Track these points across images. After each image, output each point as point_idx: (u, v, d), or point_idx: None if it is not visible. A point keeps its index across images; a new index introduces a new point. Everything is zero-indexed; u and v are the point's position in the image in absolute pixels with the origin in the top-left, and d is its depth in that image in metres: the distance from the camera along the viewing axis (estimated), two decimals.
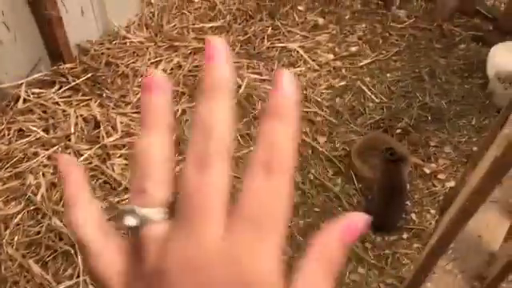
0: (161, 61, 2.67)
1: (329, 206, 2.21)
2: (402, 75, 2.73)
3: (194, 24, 2.89)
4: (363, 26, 2.98)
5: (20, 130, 2.27)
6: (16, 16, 2.20)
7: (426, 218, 2.21)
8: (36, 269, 1.86)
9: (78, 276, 1.89)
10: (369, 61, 2.79)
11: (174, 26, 2.86)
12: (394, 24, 3.00)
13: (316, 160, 2.35)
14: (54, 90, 2.42)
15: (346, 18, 3.02)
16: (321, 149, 2.38)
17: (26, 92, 2.36)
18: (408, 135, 2.46)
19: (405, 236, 2.15)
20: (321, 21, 3.00)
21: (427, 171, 2.33)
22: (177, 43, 2.76)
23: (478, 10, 3.01)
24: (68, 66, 2.47)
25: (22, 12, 2.22)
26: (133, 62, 2.63)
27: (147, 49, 2.71)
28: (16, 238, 1.93)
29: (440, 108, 2.57)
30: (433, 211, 2.22)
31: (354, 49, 2.86)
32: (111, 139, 2.30)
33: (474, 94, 2.66)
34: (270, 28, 2.92)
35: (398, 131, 2.46)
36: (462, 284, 1.19)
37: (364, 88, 2.64)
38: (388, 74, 2.73)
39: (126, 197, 2.14)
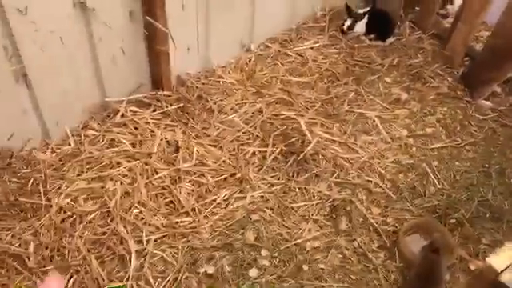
0: (245, 103, 2.93)
1: (365, 277, 2.29)
2: (471, 167, 2.75)
3: (283, 75, 3.13)
4: (445, 109, 3.05)
5: (112, 139, 2.61)
6: (133, 44, 2.56)
7: None
8: (95, 264, 2.14)
9: (128, 279, 2.14)
10: (441, 145, 2.85)
11: (265, 74, 3.12)
12: (476, 114, 3.03)
13: (364, 229, 2.45)
14: (148, 111, 2.75)
15: (430, 98, 3.10)
16: (372, 220, 2.48)
17: (125, 108, 2.71)
18: (462, 227, 2.48)
19: None
20: (404, 96, 3.11)
21: (472, 267, 2.34)
22: (264, 90, 3.01)
23: None
24: (165, 93, 2.80)
25: (138, 42, 2.58)
26: (221, 100, 2.91)
27: (236, 90, 2.99)
28: (85, 233, 2.23)
29: (501, 208, 2.56)
30: None
31: (429, 130, 2.93)
32: (186, 165, 2.57)
33: None
34: (353, 93, 3.08)
35: (453, 221, 2.49)
36: None
37: (429, 171, 2.70)
38: (457, 163, 2.77)
39: (185, 219, 2.39)
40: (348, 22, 3.36)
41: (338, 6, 3.54)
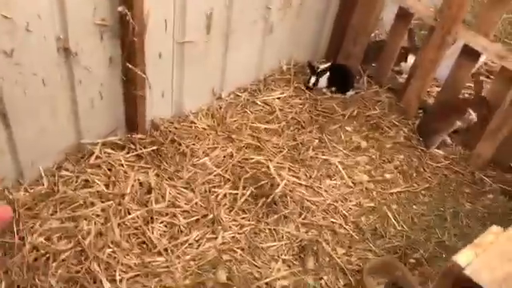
0: (216, 148, 3.06)
1: None
2: (427, 210, 2.95)
3: (252, 123, 3.29)
4: (401, 157, 3.27)
5: (86, 180, 2.66)
6: (111, 88, 2.67)
7: None
8: None
9: None
10: (399, 189, 3.05)
11: (235, 120, 3.28)
12: (430, 162, 3.27)
13: (330, 268, 2.56)
14: (122, 153, 2.83)
15: (388, 146, 3.33)
16: (338, 259, 2.60)
17: (100, 150, 2.78)
18: (421, 266, 2.64)
19: None
20: (364, 144, 3.33)
21: None
22: (234, 136, 3.15)
23: (511, 166, 3.25)
24: (139, 136, 2.90)
25: (115, 87, 2.69)
26: (193, 144, 3.02)
27: (208, 135, 3.12)
28: (59, 272, 2.24)
29: (456, 248, 2.73)
30: None
31: (388, 176, 3.14)
32: (158, 206, 2.64)
33: None
34: (317, 140, 3.28)
35: (412, 261, 2.65)
36: None
37: (389, 214, 2.88)
38: (414, 206, 2.97)
39: (157, 259, 2.43)
40: (313, 80, 3.60)
41: (302, 61, 3.79)
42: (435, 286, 1.60)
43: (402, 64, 3.86)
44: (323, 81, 3.63)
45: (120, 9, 2.33)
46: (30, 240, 2.30)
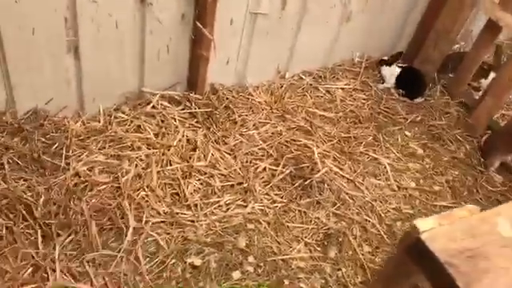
0: (268, 123, 3.09)
1: None
2: None
3: (310, 107, 3.28)
4: (456, 172, 3.12)
5: (138, 126, 2.80)
6: (178, 44, 2.78)
7: None
8: (94, 230, 2.28)
9: (119, 251, 2.27)
10: (445, 204, 2.92)
11: (293, 101, 3.28)
12: (486, 185, 3.09)
13: (351, 262, 2.52)
14: (177, 108, 2.94)
15: (445, 159, 3.19)
16: (361, 255, 2.55)
17: (157, 101, 2.91)
18: None
19: None
20: (420, 151, 3.21)
21: None
22: (288, 115, 3.17)
23: None
24: (197, 96, 2.99)
25: (183, 43, 2.79)
26: (246, 115, 3.08)
27: (262, 110, 3.16)
28: (93, 201, 2.39)
29: None
30: None
31: (437, 188, 3.01)
32: (199, 163, 2.72)
33: None
34: (372, 138, 3.20)
35: None
36: None
37: None
38: None
39: (186, 212, 2.52)
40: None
41: (375, 57, 3.71)
42: (392, 251, 1.51)
43: (482, 81, 3.66)
44: (391, 78, 3.54)
45: None
46: (75, 166, 2.47)
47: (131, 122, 2.81)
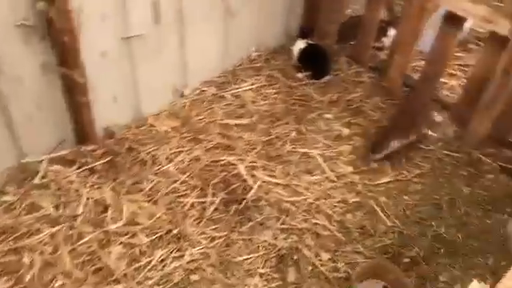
0: (181, 152, 2.74)
1: None
2: (420, 200, 2.64)
3: (221, 119, 2.97)
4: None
5: (31, 204, 2.35)
6: (49, 98, 2.36)
7: None
8: None
9: None
10: (388, 180, 2.73)
11: (202, 118, 2.96)
12: (421, 145, 2.95)
13: (314, 279, 2.26)
14: (72, 169, 2.52)
15: (372, 132, 3.01)
16: (322, 267, 2.29)
17: (46, 168, 2.47)
18: (417, 266, 2.33)
19: None
20: (346, 131, 3.01)
21: None
22: (201, 136, 2.84)
23: (510, 141, 2.93)
24: (90, 147, 2.58)
25: (55, 95, 2.37)
26: (154, 150, 2.71)
27: (171, 138, 2.80)
28: None
29: (455, 241, 2.44)
30: None
31: (374, 164, 2.82)
32: (115, 225, 2.33)
33: (495, 230, 2.52)
34: (295, 132, 2.96)
35: (407, 260, 2.35)
36: None
37: (378, 209, 2.57)
38: (405, 197, 2.66)
39: (116, 287, 2.13)
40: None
41: (273, 46, 3.47)
42: None
43: (383, 39, 3.53)
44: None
45: (40, 6, 2.00)
46: None
47: (21, 202, 2.35)
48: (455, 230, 2.50)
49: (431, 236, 2.46)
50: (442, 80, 3.27)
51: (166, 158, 2.70)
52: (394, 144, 2.83)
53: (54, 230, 2.28)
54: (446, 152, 2.92)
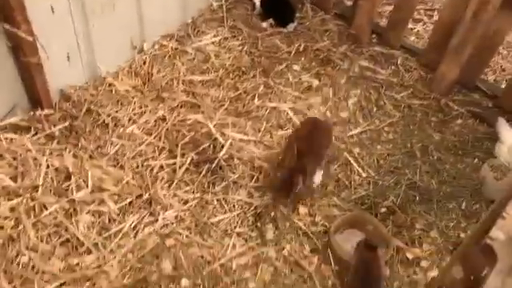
0: (145, 112, 2.59)
1: (301, 287, 2.07)
2: (393, 149, 2.62)
3: (185, 75, 2.81)
4: (358, 91, 2.89)
5: None
6: None
7: None
8: None
9: None
10: (359, 130, 2.69)
11: (164, 75, 2.79)
12: (391, 93, 2.90)
13: (293, 234, 2.22)
14: (28, 136, 2.33)
15: (342, 81, 2.93)
16: (299, 223, 2.25)
17: None
18: (393, 215, 2.33)
19: None
20: (315, 82, 2.92)
21: (409, 257, 2.20)
22: (164, 94, 2.68)
23: (478, 85, 2.93)
24: (46, 112, 2.39)
25: (2, 56, 2.15)
26: (115, 112, 2.54)
27: (133, 98, 2.63)
28: None
29: (429, 188, 2.45)
30: None
31: (345, 115, 2.77)
32: (81, 193, 2.19)
33: (467, 175, 2.54)
34: (263, 86, 2.84)
35: (383, 210, 2.34)
36: None
37: (351, 160, 2.53)
38: (378, 146, 2.63)
39: (86, 258, 2.02)
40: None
41: None
42: None
43: None
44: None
45: None
46: None
47: None
48: (429, 177, 2.50)
49: (406, 185, 2.45)
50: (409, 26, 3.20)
51: (129, 120, 2.55)
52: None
53: (13, 202, 2.12)
54: (415, 100, 2.89)
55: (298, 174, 2.16)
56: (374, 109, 2.82)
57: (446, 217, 2.36)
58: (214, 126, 2.54)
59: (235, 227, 2.22)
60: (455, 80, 2.89)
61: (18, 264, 1.95)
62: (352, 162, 2.53)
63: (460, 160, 2.61)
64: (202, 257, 2.10)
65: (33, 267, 1.95)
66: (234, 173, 2.38)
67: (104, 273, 1.98)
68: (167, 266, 2.04)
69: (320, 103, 2.81)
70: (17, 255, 1.98)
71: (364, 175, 2.48)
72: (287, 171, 2.20)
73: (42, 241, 2.04)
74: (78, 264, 2.00)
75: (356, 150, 2.59)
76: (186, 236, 2.15)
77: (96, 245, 2.07)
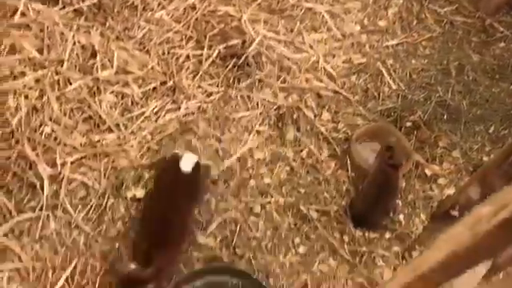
0: None
1: (315, 189, 2.08)
2: (428, 64, 2.51)
3: None
4: (400, 1, 2.72)
5: (12, 45, 2.14)
6: None
7: (414, 221, 2.08)
8: None
9: (41, 209, 1.83)
10: (396, 42, 2.56)
11: None
12: (434, 7, 2.73)
13: (313, 138, 2.20)
14: (56, 9, 2.28)
15: None
16: (322, 127, 2.23)
17: (26, 6, 2.22)
18: (418, 130, 2.28)
19: (387, 236, 2.03)
20: None
21: (428, 173, 2.18)
22: None
23: None
24: None
25: None
26: None
27: None
28: None
29: (459, 108, 2.37)
30: (423, 216, 2.09)
31: (383, 24, 2.63)
32: (105, 73, 2.18)
33: (501, 99, 2.44)
34: None
35: (409, 124, 2.29)
36: None
37: (384, 70, 2.44)
38: (413, 60, 2.52)
39: (107, 136, 2.05)
40: None
41: None
42: None
43: None
44: None
45: None
46: None
47: (1, 42, 2.15)
48: (460, 97, 2.41)
49: (435, 101, 2.37)
50: None
51: (159, 5, 2.46)
52: None
53: (38, 73, 2.11)
54: (458, 17, 2.72)
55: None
56: (414, 21, 2.67)
57: (472, 139, 2.31)
58: (245, 21, 2.44)
59: (256, 125, 2.20)
60: (504, 1, 2.69)
61: (42, 133, 1.98)
62: (384, 73, 2.44)
63: (496, 84, 2.50)
64: (220, 149, 2.11)
65: (55, 138, 1.99)
66: (261, 71, 2.32)
67: (124, 151, 2.02)
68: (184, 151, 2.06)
69: (359, 9, 2.66)
70: (40, 125, 2.00)
71: (394, 87, 2.40)
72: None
73: (65, 114, 2.05)
74: (98, 141, 2.03)
75: (389, 62, 2.49)
76: (206, 127, 2.15)
77: (117, 125, 2.08)
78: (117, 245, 1.79)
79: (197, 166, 1.81)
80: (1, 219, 1.77)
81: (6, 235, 1.75)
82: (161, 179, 1.83)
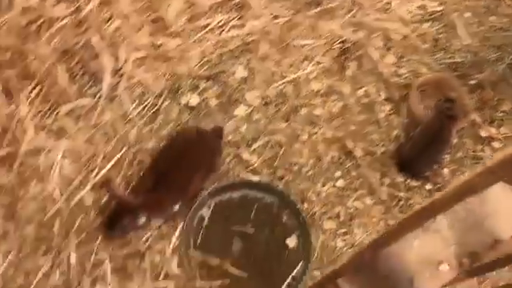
0: None
1: (365, 128, 2.07)
2: (508, 24, 2.37)
3: None
4: None
5: None
6: None
7: (459, 179, 2.05)
8: (63, 75, 1.88)
9: (100, 98, 1.91)
10: None
11: None
12: None
13: (373, 77, 2.16)
14: None
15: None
16: (384, 69, 2.18)
17: None
18: (482, 90, 2.20)
19: (427, 187, 2.01)
20: None
21: (482, 134, 2.11)
22: None
23: None
24: None
25: None
26: None
27: None
28: (54, 41, 1.93)
29: None
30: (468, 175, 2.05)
31: None
32: None
33: None
34: None
35: (473, 82, 2.20)
36: (451, 255, 1.09)
37: (459, 23, 2.32)
38: (493, 17, 2.38)
39: (171, 41, 2.08)
40: None
41: None
42: None
43: None
44: None
45: None
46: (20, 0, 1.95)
47: None
48: None
49: (508, 63, 2.26)
50: None
51: None
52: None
53: None
54: None
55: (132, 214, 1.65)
56: None
57: None
58: None
59: (317, 55, 2.17)
60: None
61: (109, 27, 2.02)
62: (458, 25, 2.32)
63: None
64: (277, 73, 2.11)
65: (120, 35, 2.03)
66: (332, 0, 2.26)
67: (184, 58, 2.04)
68: (240, 70, 2.07)
69: None
70: (109, 19, 2.04)
71: (466, 43, 2.29)
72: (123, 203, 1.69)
73: (134, 12, 2.08)
74: (161, 45, 2.06)
75: (466, 15, 2.36)
76: (267, 49, 2.14)
77: (182, 31, 2.10)
78: None
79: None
80: (62, 100, 1.86)
81: (66, 115, 1.84)
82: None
